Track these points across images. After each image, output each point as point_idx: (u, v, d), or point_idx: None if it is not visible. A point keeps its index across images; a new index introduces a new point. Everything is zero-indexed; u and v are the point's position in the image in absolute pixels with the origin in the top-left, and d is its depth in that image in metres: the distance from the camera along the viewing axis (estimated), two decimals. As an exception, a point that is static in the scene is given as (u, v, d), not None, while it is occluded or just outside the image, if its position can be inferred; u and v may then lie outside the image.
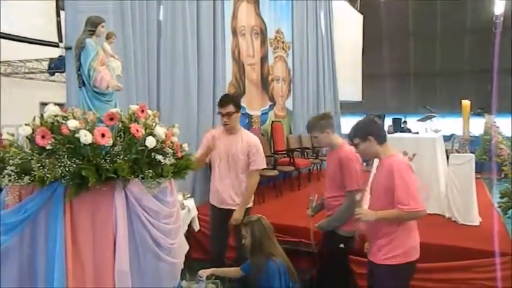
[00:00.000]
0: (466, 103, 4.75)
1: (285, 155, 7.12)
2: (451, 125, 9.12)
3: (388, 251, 2.44)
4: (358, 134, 2.57)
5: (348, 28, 11.64)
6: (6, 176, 1.95)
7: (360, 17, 12.62)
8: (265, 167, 3.55)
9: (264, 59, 7.51)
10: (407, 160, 2.57)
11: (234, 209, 3.31)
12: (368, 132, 2.53)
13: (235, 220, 3.24)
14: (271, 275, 2.59)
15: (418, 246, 2.50)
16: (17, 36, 4.49)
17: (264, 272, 2.61)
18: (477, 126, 7.77)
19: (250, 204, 3.48)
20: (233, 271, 2.96)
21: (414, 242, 2.49)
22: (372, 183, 2.68)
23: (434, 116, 6.32)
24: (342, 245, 3.01)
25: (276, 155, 6.84)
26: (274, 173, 6.27)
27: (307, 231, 3.26)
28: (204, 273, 2.78)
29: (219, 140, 3.37)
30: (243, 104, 6.79)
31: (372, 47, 13.44)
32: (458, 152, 4.76)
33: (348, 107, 12.63)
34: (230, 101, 3.36)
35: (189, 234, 3.92)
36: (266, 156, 6.61)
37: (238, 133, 3.42)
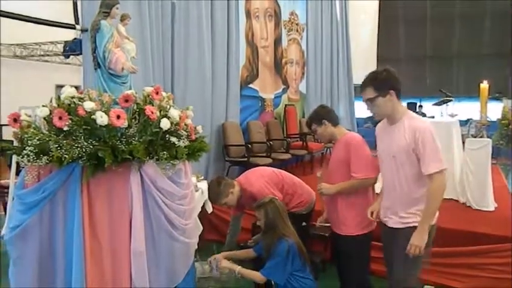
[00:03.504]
0: (484, 87, 4.65)
1: (298, 139, 7.11)
2: (468, 109, 8.96)
3: (359, 223, 2.69)
4: (314, 120, 2.90)
5: (364, 10, 11.41)
6: (25, 156, 1.99)
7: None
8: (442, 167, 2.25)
9: (277, 42, 7.44)
10: (360, 136, 2.85)
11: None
12: (321, 117, 2.86)
13: None
14: (283, 255, 2.62)
15: None
16: (34, 18, 4.51)
17: (276, 252, 2.64)
18: (495, 110, 7.61)
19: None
20: (246, 253, 2.99)
21: None
22: (330, 161, 2.94)
23: (451, 100, 6.21)
24: (304, 223, 3.25)
25: (289, 139, 6.83)
26: (287, 156, 6.28)
27: (320, 215, 3.27)
28: (215, 260, 2.81)
29: (381, 135, 2.52)
30: (255, 87, 6.79)
31: (387, 30, 13.15)
32: (475, 137, 4.68)
33: (363, 91, 12.44)
34: (367, 83, 2.37)
35: (203, 216, 3.97)
36: (278, 140, 6.72)
37: (401, 121, 2.35)
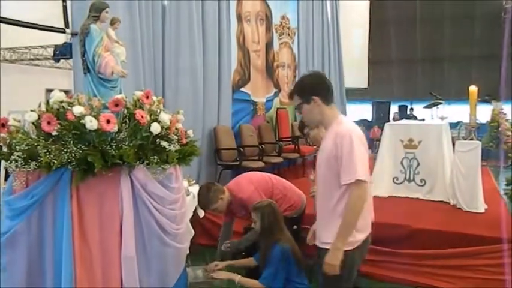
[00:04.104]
0: (473, 89, 4.70)
1: (290, 142, 7.11)
2: (458, 112, 9.05)
3: None
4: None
5: (354, 13, 11.50)
6: (14, 161, 1.98)
7: (367, 2, 12.45)
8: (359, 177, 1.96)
9: (269, 45, 7.45)
10: None
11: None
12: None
13: None
14: (278, 260, 2.61)
15: None
16: (23, 22, 4.47)
17: (271, 257, 2.64)
18: (484, 113, 7.69)
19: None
20: (247, 261, 2.98)
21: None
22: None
23: (441, 103, 6.26)
24: (295, 227, 3.22)
25: (281, 142, 6.84)
26: (279, 160, 6.28)
27: (310, 218, 3.27)
28: (216, 267, 2.80)
29: None
30: (247, 90, 6.79)
31: (378, 33, 13.26)
32: (465, 139, 4.72)
33: (354, 94, 12.53)
34: (293, 90, 2.24)
35: (194, 221, 3.95)
36: (270, 144, 6.72)
37: (331, 127, 2.13)
